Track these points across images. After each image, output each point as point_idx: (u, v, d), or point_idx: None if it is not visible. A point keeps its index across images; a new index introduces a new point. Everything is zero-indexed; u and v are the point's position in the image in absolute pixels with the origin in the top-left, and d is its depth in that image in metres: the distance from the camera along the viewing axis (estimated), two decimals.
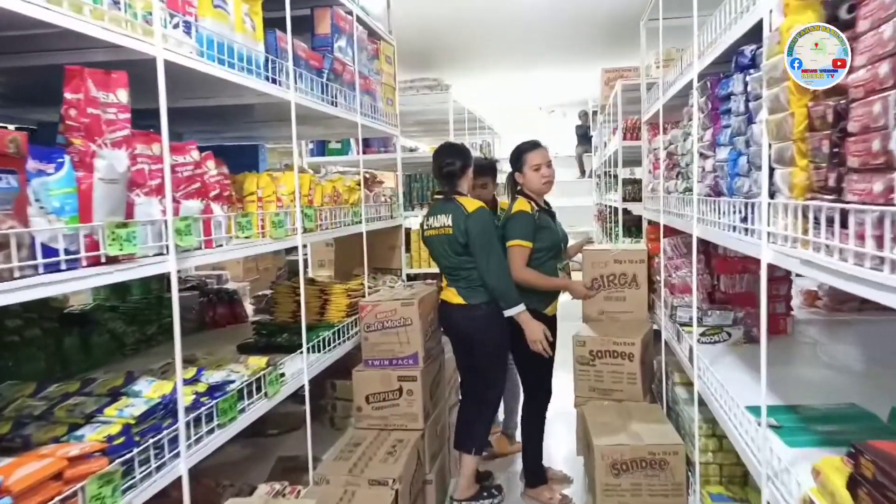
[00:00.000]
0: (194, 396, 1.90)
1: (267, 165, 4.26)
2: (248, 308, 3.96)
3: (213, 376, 2.04)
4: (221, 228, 2.02)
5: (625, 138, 5.96)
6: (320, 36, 3.08)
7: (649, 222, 3.92)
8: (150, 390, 1.77)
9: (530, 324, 3.02)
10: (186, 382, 1.95)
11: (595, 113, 11.35)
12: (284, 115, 2.77)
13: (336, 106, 3.03)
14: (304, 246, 3.54)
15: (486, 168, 3.68)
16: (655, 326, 3.50)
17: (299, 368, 2.62)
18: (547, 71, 10.64)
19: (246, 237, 2.15)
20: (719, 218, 2.03)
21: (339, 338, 3.05)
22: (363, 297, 3.39)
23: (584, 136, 13.49)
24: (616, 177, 7.55)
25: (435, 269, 6.46)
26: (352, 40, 3.29)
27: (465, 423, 3.25)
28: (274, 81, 2.42)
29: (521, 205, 3.19)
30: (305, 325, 3.00)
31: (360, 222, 3.36)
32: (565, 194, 13.74)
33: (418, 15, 6.95)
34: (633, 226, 6.83)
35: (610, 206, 7.51)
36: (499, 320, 3.05)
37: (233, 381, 2.04)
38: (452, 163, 3.13)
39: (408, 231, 6.84)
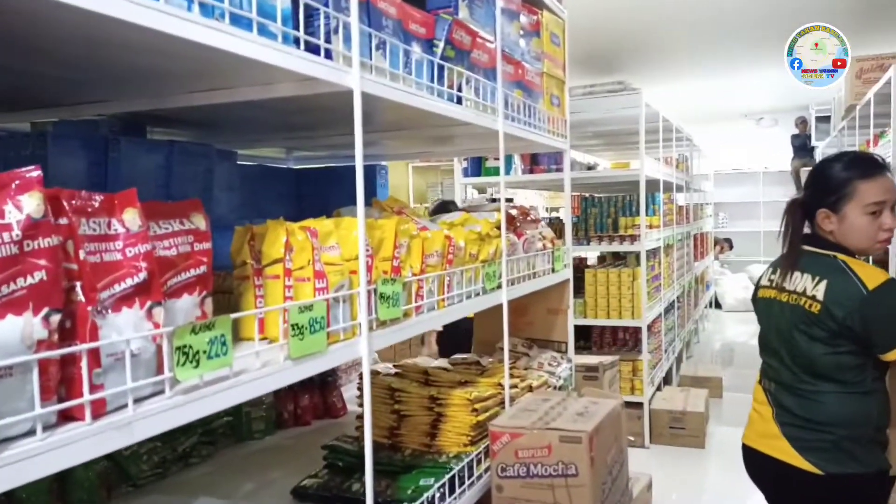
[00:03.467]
0: None
1: (388, 191, 3.17)
2: (354, 389, 2.87)
3: None
4: (127, 371, 0.87)
5: None
6: None
7: None
8: None
9: None
10: None
11: (825, 118, 9.18)
12: (374, 117, 1.66)
13: (459, 102, 1.83)
14: None
15: None
16: None
17: None
18: (756, 71, 8.69)
19: (217, 367, 1.00)
20: None
21: (455, 489, 1.82)
22: (501, 405, 2.14)
23: (801, 148, 11.21)
24: None
25: (615, 321, 5.07)
26: (493, 1, 2.08)
27: None
28: (315, 51, 1.26)
29: (877, 273, 1.72)
30: (397, 464, 1.84)
31: (499, 287, 2.11)
32: (776, 217, 11.48)
33: (594, 9, 5.60)
34: None
35: None
36: None
37: None
38: None
39: (580, 264, 5.48)
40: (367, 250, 1.41)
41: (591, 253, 5.99)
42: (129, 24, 0.85)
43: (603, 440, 1.88)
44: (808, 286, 1.75)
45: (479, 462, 1.95)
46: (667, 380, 5.61)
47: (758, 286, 2.00)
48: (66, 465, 0.78)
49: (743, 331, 8.75)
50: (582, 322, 4.80)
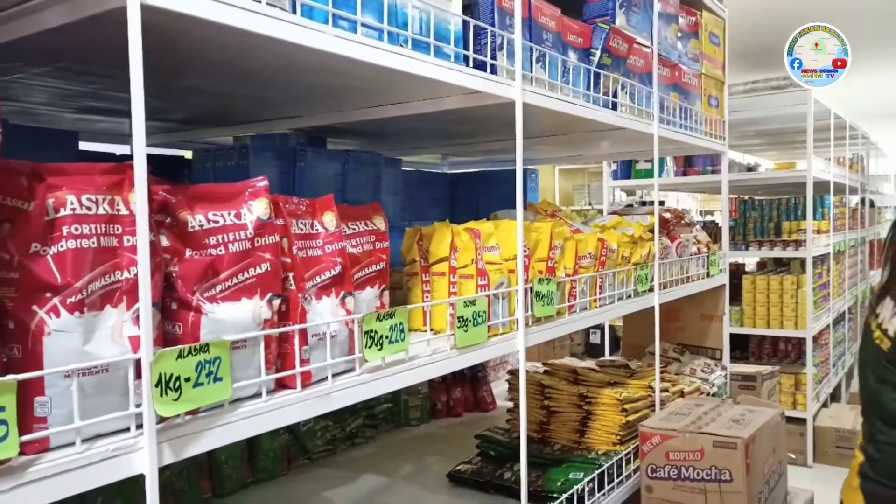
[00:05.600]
0: None
1: (538, 194, 3.25)
2: (502, 386, 2.98)
3: None
4: (327, 350, 1.03)
5: None
6: (596, 0, 1.96)
7: None
8: None
9: None
10: None
11: None
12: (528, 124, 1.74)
13: (613, 108, 1.87)
14: None
15: None
16: None
17: None
18: None
19: (396, 351, 1.14)
20: None
21: (604, 485, 1.87)
22: (651, 408, 2.15)
23: None
24: None
25: (775, 330, 4.78)
26: (650, 6, 2.09)
27: None
28: (481, 67, 1.38)
29: None
30: (547, 457, 1.92)
31: (651, 290, 2.13)
32: None
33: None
34: None
35: None
36: None
37: None
38: None
39: (737, 270, 5.23)
40: (525, 251, 1.50)
41: (750, 258, 5.69)
42: (332, 54, 1.01)
43: (760, 448, 1.84)
44: (888, 315, 1.42)
45: (628, 461, 1.98)
46: (834, 396, 5.21)
47: None
48: (282, 424, 0.94)
49: None
50: (738, 331, 4.59)
